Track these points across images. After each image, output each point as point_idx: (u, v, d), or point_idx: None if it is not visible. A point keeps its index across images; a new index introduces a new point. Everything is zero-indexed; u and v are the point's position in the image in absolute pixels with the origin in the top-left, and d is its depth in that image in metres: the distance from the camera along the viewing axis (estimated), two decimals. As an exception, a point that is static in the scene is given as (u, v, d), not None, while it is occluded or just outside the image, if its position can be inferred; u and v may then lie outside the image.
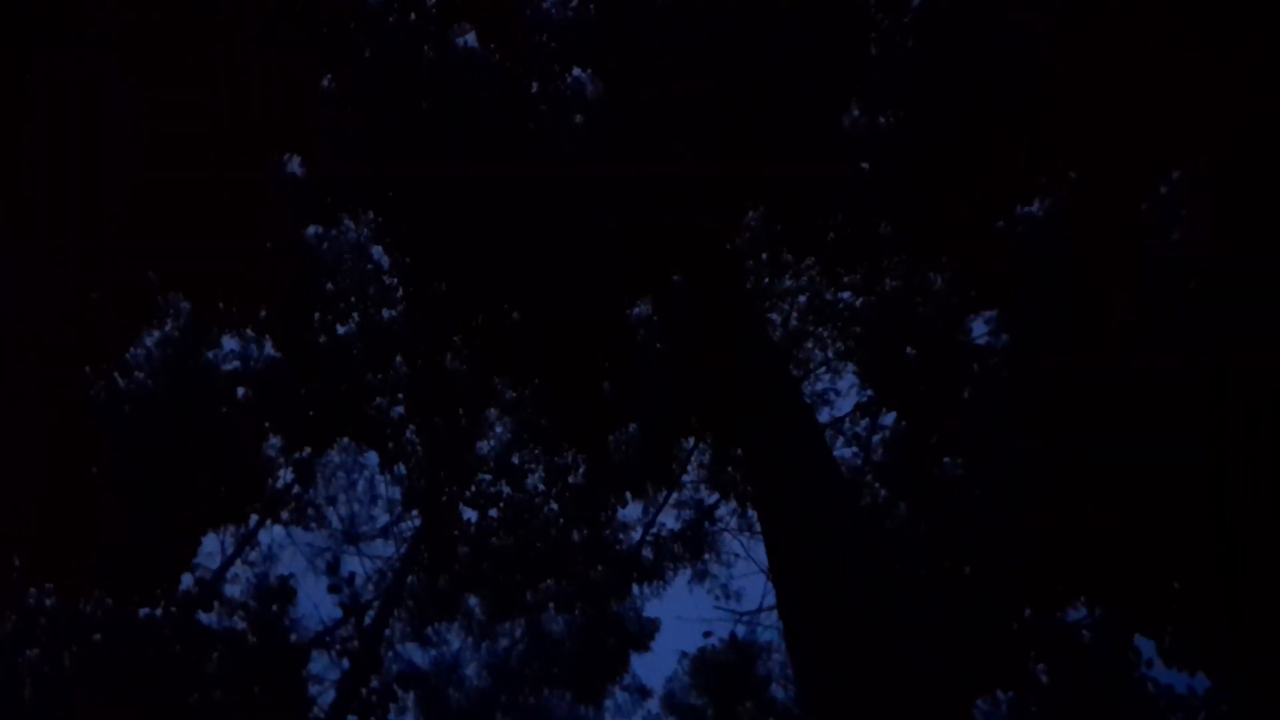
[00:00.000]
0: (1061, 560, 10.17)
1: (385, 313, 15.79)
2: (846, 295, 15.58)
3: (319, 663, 16.11)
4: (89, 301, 11.92)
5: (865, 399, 14.90)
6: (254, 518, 16.88)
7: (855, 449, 14.66)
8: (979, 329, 12.88)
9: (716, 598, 18.39)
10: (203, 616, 14.86)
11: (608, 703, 17.57)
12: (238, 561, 17.15)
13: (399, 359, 15.42)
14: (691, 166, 13.28)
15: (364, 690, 14.49)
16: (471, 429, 15.81)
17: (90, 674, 12.95)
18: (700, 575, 18.29)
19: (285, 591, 16.31)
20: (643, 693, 18.39)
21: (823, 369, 16.66)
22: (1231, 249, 8.39)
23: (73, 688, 12.74)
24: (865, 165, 12.50)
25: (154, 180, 12.03)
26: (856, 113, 12.62)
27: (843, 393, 17.39)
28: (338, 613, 16.63)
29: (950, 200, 12.20)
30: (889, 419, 14.48)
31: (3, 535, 12.46)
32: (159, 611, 13.42)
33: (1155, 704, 7.76)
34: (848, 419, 15.07)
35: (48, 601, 13.06)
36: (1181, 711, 7.62)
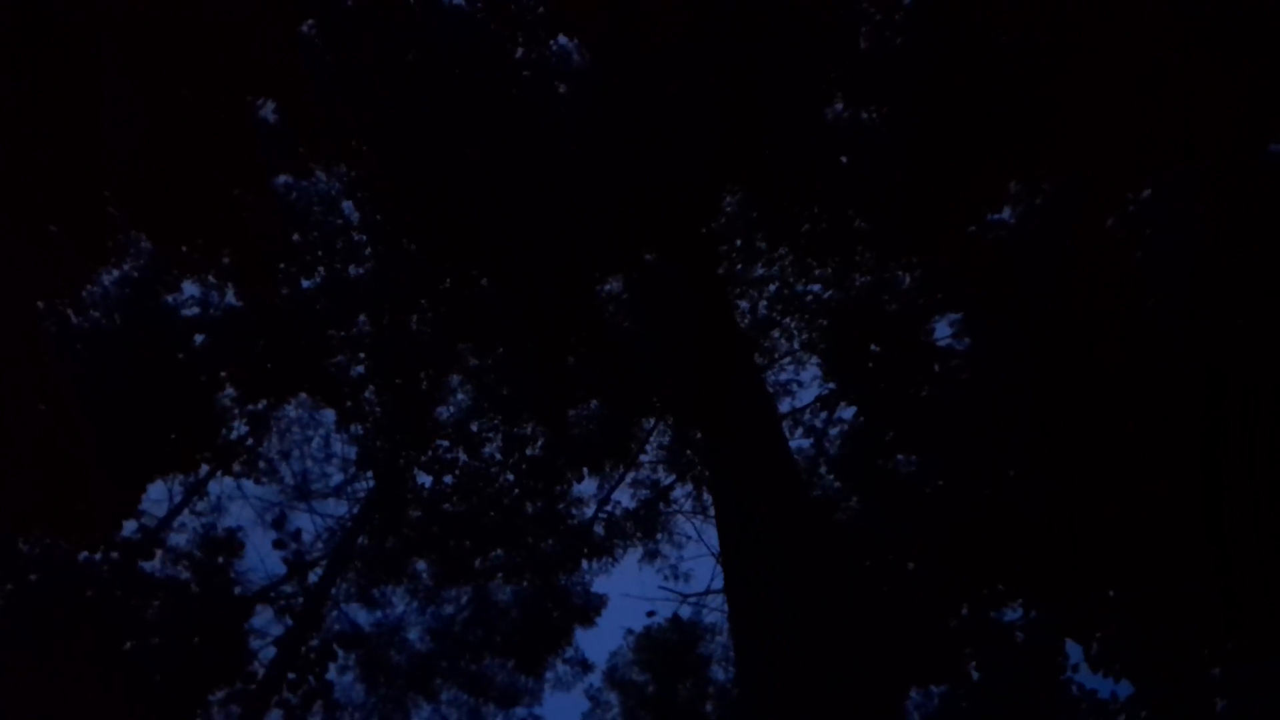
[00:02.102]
0: (1001, 562, 10.41)
1: (352, 269, 15.58)
2: (816, 287, 15.68)
3: (262, 617, 15.98)
4: (46, 233, 11.59)
5: (826, 392, 15.05)
6: (204, 467, 16.64)
7: (812, 440, 14.82)
8: (943, 330, 13.06)
9: (665, 578, 18.56)
10: (145, 565, 14.65)
11: (548, 674, 17.71)
12: (185, 510, 16.92)
13: (363, 317, 15.22)
14: (674, 144, 13.23)
15: (304, 648, 14.41)
16: (432, 393, 15.68)
17: (24, 613, 12.73)
18: (651, 555, 18.44)
19: (232, 544, 16.12)
20: (584, 666, 18.55)
21: (787, 359, 16.79)
22: (1220, 253, 8.55)
23: (6, 625, 12.52)
24: (844, 159, 12.54)
25: (123, 116, 11.70)
26: (840, 106, 12.64)
27: (804, 384, 17.55)
28: (280, 571, 16.50)
29: (929, 199, 12.30)
30: (848, 413, 14.67)
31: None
32: (99, 555, 13.21)
33: (1078, 706, 8.01)
34: (808, 410, 15.22)
35: (-16, 537, 12.78)
36: (1102, 715, 7.89)
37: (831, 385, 15.62)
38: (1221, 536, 8.33)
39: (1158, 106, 9.13)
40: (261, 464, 16.57)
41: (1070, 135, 10.02)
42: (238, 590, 16.42)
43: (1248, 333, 8.25)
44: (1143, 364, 9.17)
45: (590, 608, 16.77)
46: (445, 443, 15.38)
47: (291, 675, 14.07)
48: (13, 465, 12.59)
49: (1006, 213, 12.18)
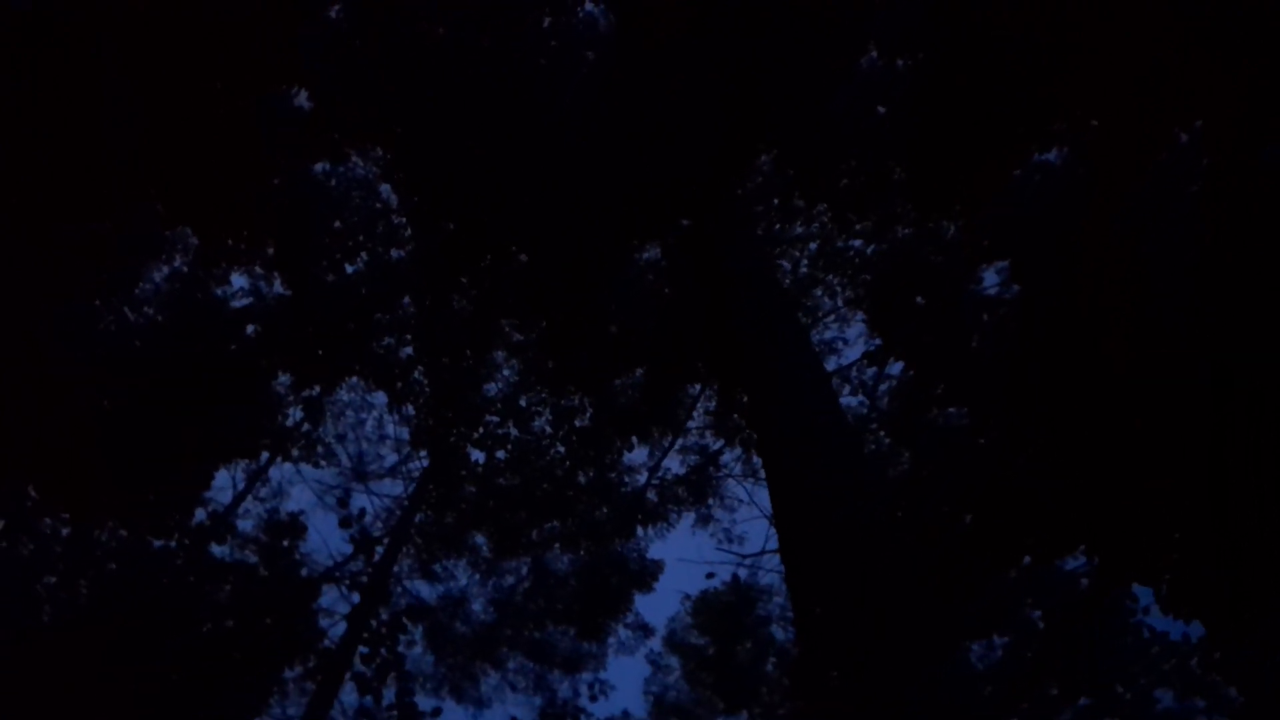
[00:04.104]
0: (1061, 510, 10.25)
1: (394, 252, 15.74)
2: (857, 243, 15.44)
3: (329, 596, 16.49)
4: (98, 232, 11.89)
5: (873, 347, 14.86)
6: (264, 454, 17.10)
7: (861, 397, 14.69)
8: (990, 279, 12.79)
9: (719, 542, 18.67)
10: (215, 549, 15.14)
11: (610, 640, 18.00)
12: (249, 496, 17.43)
13: (406, 298, 15.40)
14: (703, 107, 13.05)
15: (373, 622, 14.84)
16: (478, 370, 15.86)
17: (106, 601, 13.27)
18: (704, 520, 18.55)
19: (295, 527, 16.58)
20: (645, 630, 18.82)
21: (831, 317, 16.60)
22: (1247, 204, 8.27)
23: (89, 614, 13.07)
24: (881, 109, 12.26)
25: (160, 113, 11.89)
26: (874, 54, 12.34)
27: (850, 341, 17.37)
28: (346, 549, 16.96)
29: (967, 146, 11.99)
30: (896, 368, 14.50)
31: (19, 466, 12.66)
32: (173, 543, 13.69)
33: (1149, 649, 7.91)
34: (854, 367, 15.07)
35: (64, 531, 13.32)
36: (1175, 656, 7.78)
37: (878, 341, 15.43)
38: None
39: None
40: (319, 448, 16.98)
41: (1101, 81, 9.68)
42: (304, 572, 16.92)
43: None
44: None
45: (647, 573, 16.96)
46: (495, 418, 15.59)
47: (363, 649, 14.50)
48: (84, 461, 13.04)
49: (1053, 154, 11.84)
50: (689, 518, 18.08)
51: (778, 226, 15.45)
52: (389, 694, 14.43)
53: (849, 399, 14.87)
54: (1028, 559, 9.77)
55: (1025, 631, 9.72)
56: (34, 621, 13.10)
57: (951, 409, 12.77)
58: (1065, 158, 11.43)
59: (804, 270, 15.79)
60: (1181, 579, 8.28)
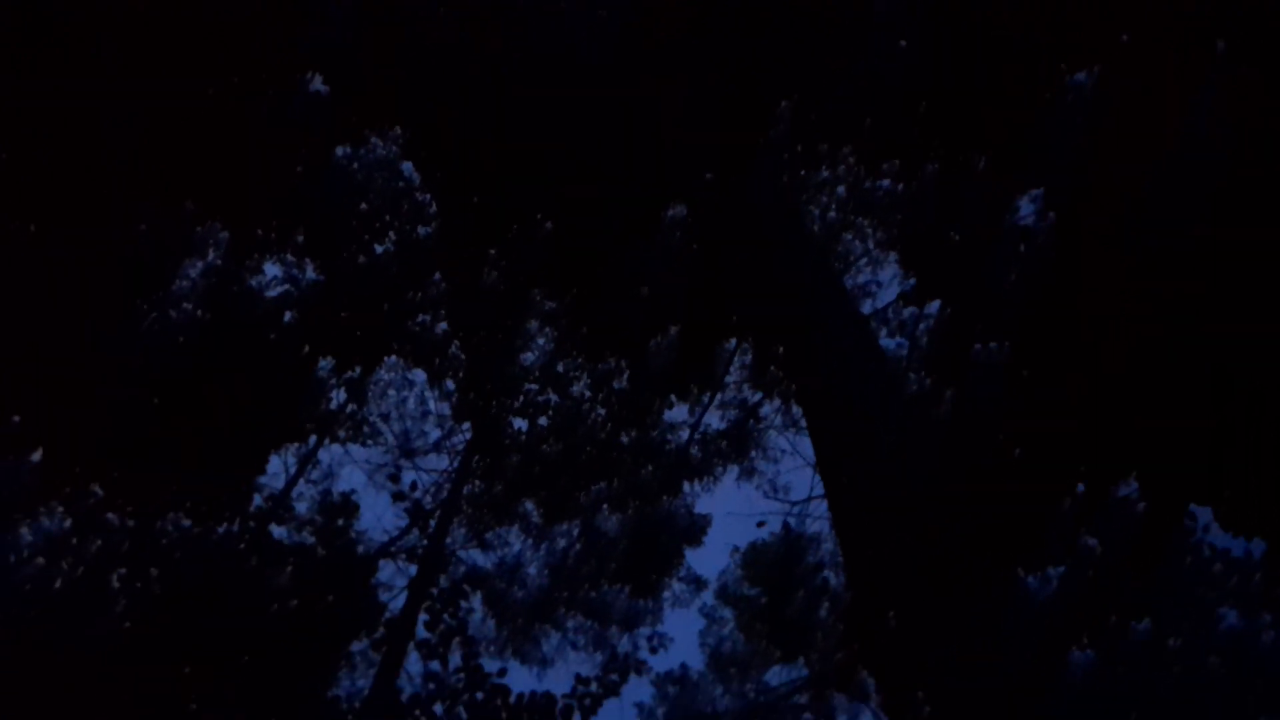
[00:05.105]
0: (1113, 436, 10.13)
1: (420, 229, 15.82)
2: (886, 183, 15.18)
3: (386, 571, 16.95)
4: (135, 234, 12.09)
5: (908, 288, 14.70)
6: (312, 438, 17.46)
7: (899, 339, 14.57)
8: (1026, 208, 12.52)
9: (765, 494, 18.77)
10: (275, 532, 15.54)
11: (665, 594, 18.28)
12: (301, 480, 17.85)
13: (437, 274, 15.51)
14: (720, 60, 12.84)
15: (434, 590, 15.22)
16: (513, 341, 15.98)
17: (176, 590, 13.72)
18: (748, 473, 18.64)
19: (348, 506, 16.95)
20: (698, 583, 19.08)
21: (863, 260, 16.42)
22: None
23: (161, 603, 13.54)
24: (903, 43, 11.97)
25: (179, 110, 11.98)
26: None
27: (884, 284, 17.18)
28: (396, 526, 17.36)
29: (993, 73, 11.68)
30: (933, 307, 14.31)
31: (82, 467, 13.04)
32: (235, 528, 14.08)
33: (1211, 567, 7.84)
34: (890, 308, 14.92)
35: (130, 524, 13.75)
36: (1237, 573, 7.70)
37: (912, 282, 15.24)
38: None
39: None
40: (364, 428, 17.30)
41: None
42: (360, 549, 17.33)
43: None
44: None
45: (697, 529, 17.16)
46: (534, 386, 15.73)
47: (425, 616, 14.91)
48: (141, 456, 13.38)
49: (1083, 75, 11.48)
50: (733, 472, 18.20)
51: (803, 172, 15.23)
52: (454, 660, 14.86)
53: (887, 341, 14.75)
54: (1080, 488, 9.70)
55: (1082, 561, 9.69)
56: (108, 615, 13.57)
57: (993, 344, 12.62)
58: (1097, 76, 11.09)
59: (833, 215, 15.60)
60: (1241, 496, 8.17)
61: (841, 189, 15.34)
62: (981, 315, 13.12)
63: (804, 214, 15.87)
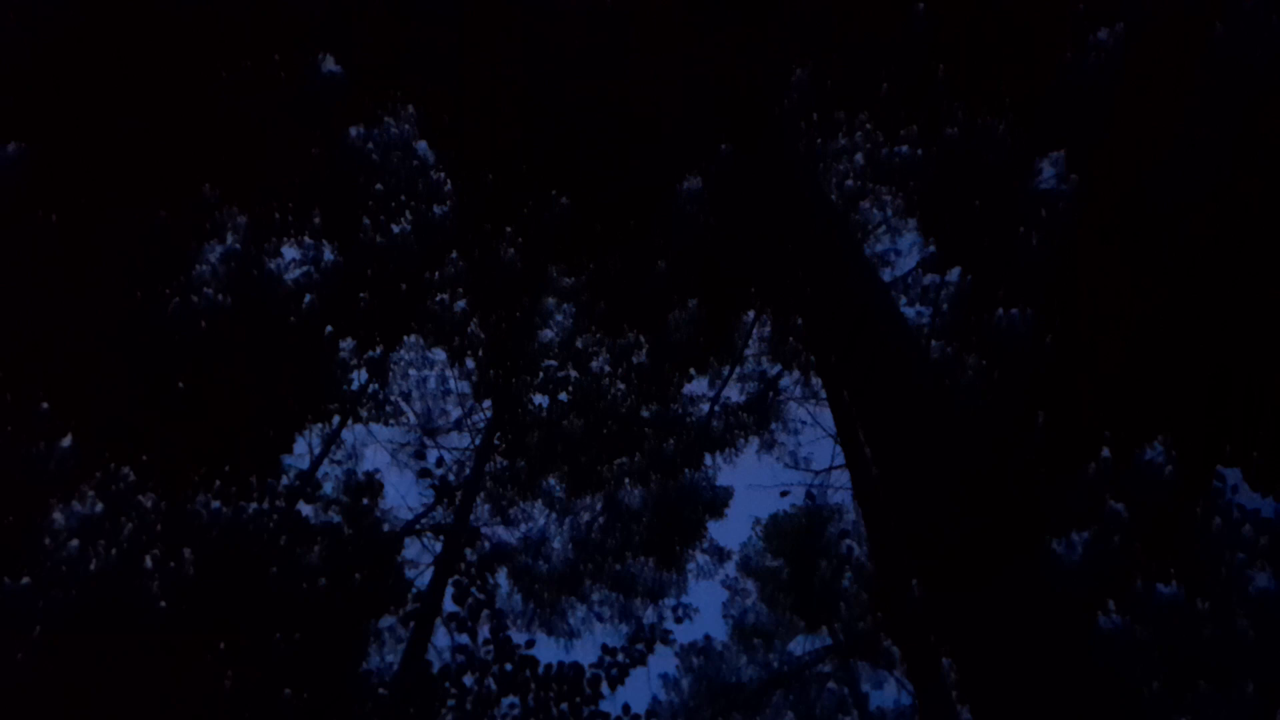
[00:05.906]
0: (1138, 400, 10.03)
1: (436, 208, 15.82)
2: (904, 149, 14.96)
3: (411, 549, 17.16)
4: (156, 220, 12.18)
5: (928, 255, 14.55)
6: (335, 418, 17.65)
7: (920, 306, 14.46)
8: (1047, 171, 12.32)
9: (785, 466, 18.79)
10: (303, 510, 15.75)
11: (689, 565, 18.42)
12: (326, 460, 18.06)
13: (454, 253, 15.53)
14: (734, 27, 12.66)
15: (461, 564, 15.41)
16: (532, 318, 16.00)
17: (210, 569, 13.96)
18: (768, 445, 18.65)
19: (373, 485, 17.15)
20: (721, 554, 19.20)
21: (882, 228, 16.26)
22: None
23: (196, 583, 13.79)
24: (921, 4, 11.74)
25: (194, 96, 12.00)
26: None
27: (903, 252, 17.03)
28: (421, 503, 17.56)
29: (1011, 32, 11.44)
30: (954, 274, 14.17)
31: (113, 450, 13.25)
32: (265, 505, 14.29)
33: (1240, 527, 7.77)
34: (910, 276, 14.80)
35: (162, 505, 14.00)
36: (1267, 533, 7.64)
37: (931, 249, 15.08)
38: None
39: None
40: (386, 407, 17.46)
41: None
42: (385, 527, 17.54)
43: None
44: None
45: (719, 501, 17.23)
46: (554, 363, 15.77)
47: (452, 590, 15.12)
48: (169, 438, 13.56)
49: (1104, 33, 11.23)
50: (754, 444, 18.23)
51: (819, 141, 15.05)
52: (483, 633, 15.07)
53: (908, 309, 14.64)
54: (1106, 452, 9.63)
55: (1109, 525, 9.64)
56: (144, 594, 13.83)
57: (1015, 309, 12.49)
58: (1119, 34, 10.85)
59: (850, 184, 15.42)
60: (1270, 456, 8.08)
61: (859, 156, 15.15)
62: (1004, 280, 12.98)
63: (821, 182, 15.70)
